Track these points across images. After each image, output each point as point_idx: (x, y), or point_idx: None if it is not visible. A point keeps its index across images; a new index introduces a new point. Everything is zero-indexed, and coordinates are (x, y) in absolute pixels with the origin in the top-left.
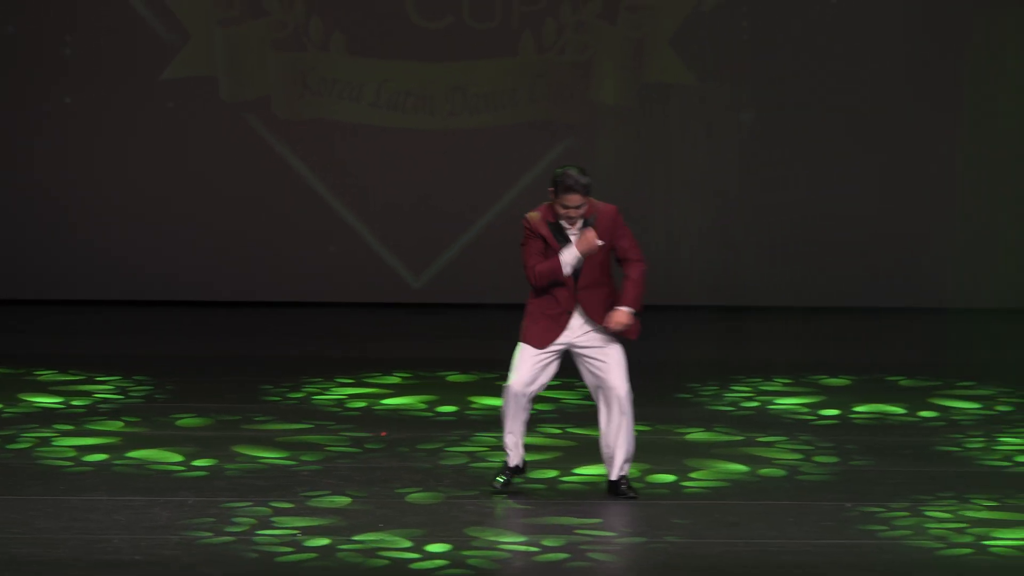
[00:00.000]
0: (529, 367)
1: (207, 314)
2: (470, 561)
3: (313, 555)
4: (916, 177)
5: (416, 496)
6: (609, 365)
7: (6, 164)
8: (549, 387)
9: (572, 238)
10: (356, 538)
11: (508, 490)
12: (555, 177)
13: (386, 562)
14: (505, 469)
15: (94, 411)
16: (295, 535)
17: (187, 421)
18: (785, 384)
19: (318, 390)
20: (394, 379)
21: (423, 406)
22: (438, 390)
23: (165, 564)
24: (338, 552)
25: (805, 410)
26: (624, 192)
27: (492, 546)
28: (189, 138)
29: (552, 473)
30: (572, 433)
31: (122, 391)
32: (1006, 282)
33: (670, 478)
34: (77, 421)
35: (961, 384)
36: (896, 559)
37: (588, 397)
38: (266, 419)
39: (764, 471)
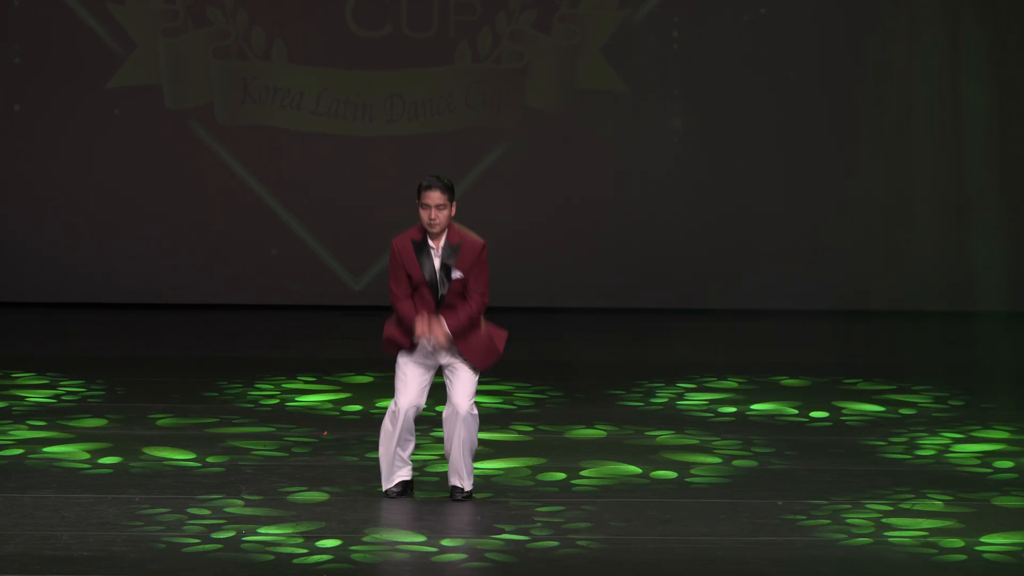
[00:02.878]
0: (415, 385)
1: (149, 316)
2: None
3: (270, 554)
4: (846, 179)
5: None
6: (457, 383)
7: None
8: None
9: (434, 257)
10: (304, 531)
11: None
12: (418, 185)
13: (329, 556)
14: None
15: (43, 410)
16: (241, 531)
17: (137, 420)
18: (716, 384)
19: (260, 390)
20: (334, 379)
21: (362, 406)
22: (380, 391)
23: (113, 560)
24: (284, 548)
25: (735, 410)
26: (556, 195)
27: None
28: (135, 145)
29: (491, 470)
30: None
31: (72, 391)
32: (934, 284)
33: (605, 476)
34: (26, 420)
35: (889, 385)
36: (825, 554)
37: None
38: (211, 419)
39: (696, 470)
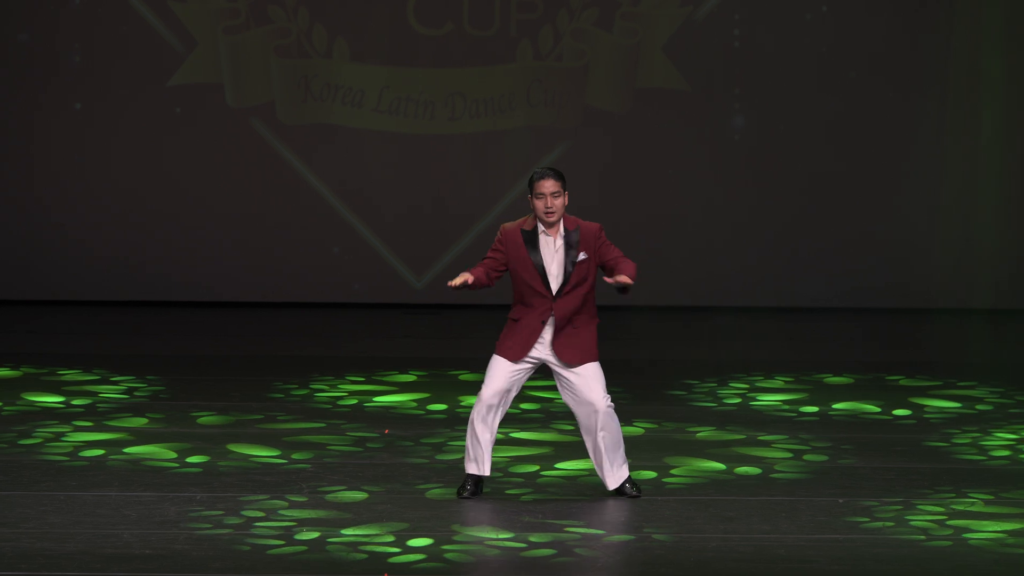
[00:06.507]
0: (501, 378)
1: (211, 314)
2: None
3: (315, 549)
4: (905, 178)
5: (434, 492)
6: (583, 380)
7: (19, 168)
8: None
9: (552, 248)
10: (357, 532)
11: (474, 498)
12: (529, 178)
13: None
14: (467, 480)
15: (105, 409)
16: (300, 530)
17: (196, 419)
18: (776, 382)
19: (322, 389)
20: (395, 378)
21: (420, 405)
22: (438, 388)
23: (174, 558)
24: (344, 546)
25: (796, 408)
26: (616, 194)
27: (480, 542)
28: (196, 143)
29: (534, 468)
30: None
31: (131, 390)
32: (989, 282)
33: (666, 474)
34: (88, 419)
35: (948, 382)
36: (887, 552)
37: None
38: (272, 417)
39: (758, 467)
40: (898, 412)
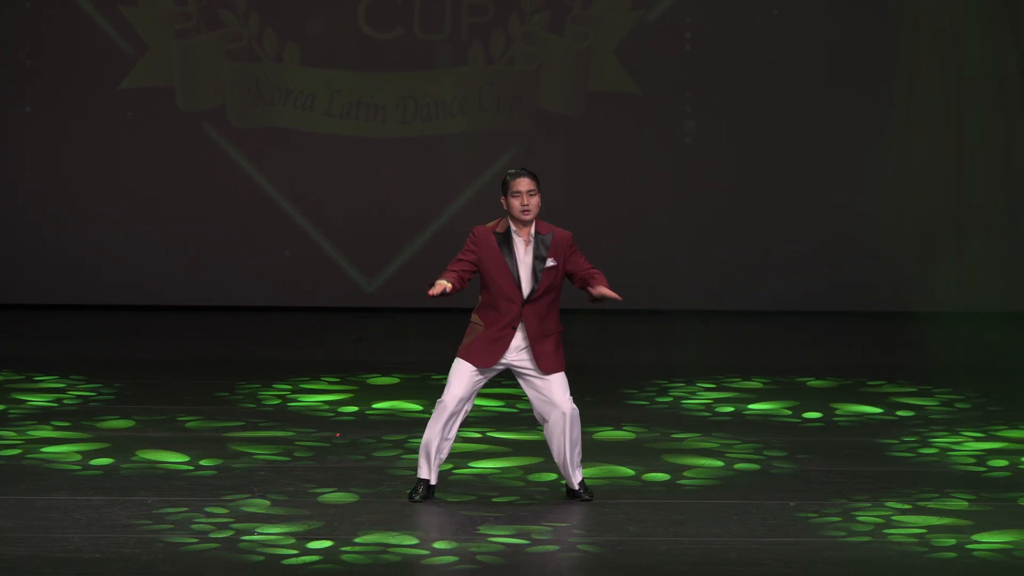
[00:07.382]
0: (465, 383)
1: (162, 318)
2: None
3: (277, 555)
4: (858, 179)
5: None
6: (551, 385)
7: None
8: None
9: (524, 251)
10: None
11: (425, 502)
12: (503, 179)
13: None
14: (419, 484)
15: (55, 412)
16: (249, 532)
17: (148, 423)
18: (728, 385)
19: (274, 393)
20: (345, 381)
21: (378, 408)
22: (390, 392)
23: (124, 562)
24: (282, 549)
25: (749, 411)
26: (569, 198)
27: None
28: (147, 147)
29: (493, 470)
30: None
31: (84, 394)
32: (944, 285)
33: (617, 477)
34: (37, 422)
35: (903, 385)
36: (837, 555)
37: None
38: (223, 421)
39: (708, 471)
40: (849, 415)
